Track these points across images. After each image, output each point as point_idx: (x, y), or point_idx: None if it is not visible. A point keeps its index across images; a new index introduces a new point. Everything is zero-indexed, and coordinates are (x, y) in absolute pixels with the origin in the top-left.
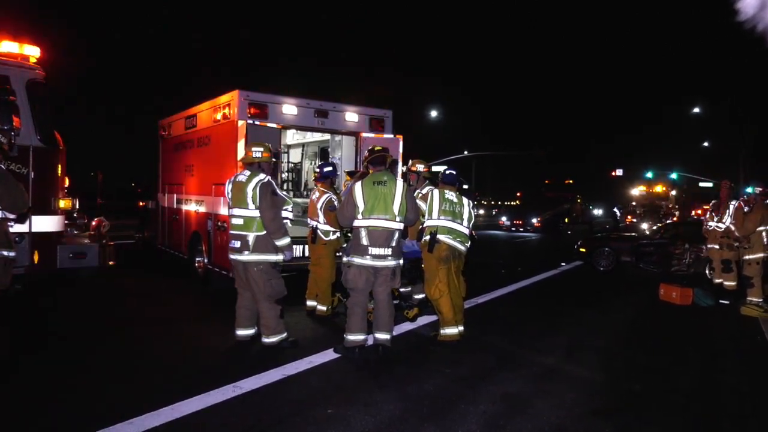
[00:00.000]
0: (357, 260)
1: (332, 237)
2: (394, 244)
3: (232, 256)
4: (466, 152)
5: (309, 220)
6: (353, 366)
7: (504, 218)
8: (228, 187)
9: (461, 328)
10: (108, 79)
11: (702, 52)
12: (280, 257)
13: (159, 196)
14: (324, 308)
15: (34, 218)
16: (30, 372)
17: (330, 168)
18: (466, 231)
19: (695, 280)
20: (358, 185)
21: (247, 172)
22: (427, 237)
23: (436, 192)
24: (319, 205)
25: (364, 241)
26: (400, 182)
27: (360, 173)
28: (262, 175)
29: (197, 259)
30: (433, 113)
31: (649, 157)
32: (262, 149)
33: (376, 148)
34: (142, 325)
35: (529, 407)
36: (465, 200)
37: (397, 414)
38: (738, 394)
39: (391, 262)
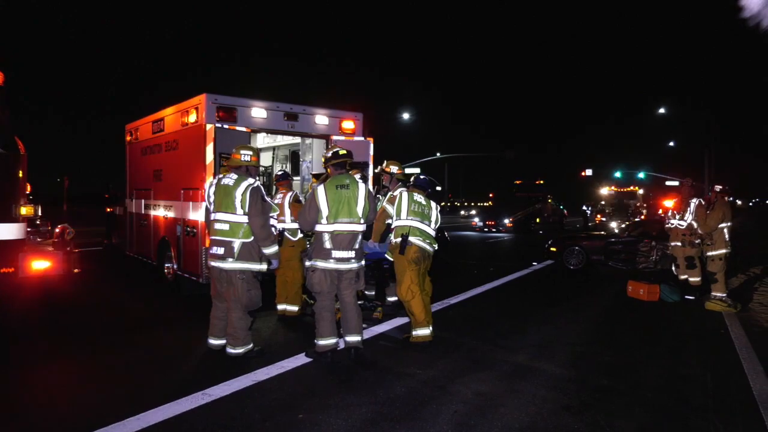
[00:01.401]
0: (320, 264)
1: (300, 236)
2: (357, 246)
3: (213, 263)
4: (438, 154)
5: (276, 223)
6: (325, 370)
7: (476, 219)
8: (210, 190)
9: (431, 328)
10: (76, 82)
11: (668, 54)
12: (263, 266)
13: (127, 201)
14: (295, 308)
15: None
16: None
17: (281, 172)
18: (433, 233)
19: (662, 277)
20: (320, 189)
21: (234, 176)
22: (398, 239)
23: (404, 194)
24: (285, 202)
25: (327, 245)
26: (361, 184)
27: (324, 176)
28: (251, 180)
29: (166, 265)
30: (406, 116)
31: (618, 157)
32: (251, 152)
33: (340, 152)
34: (108, 333)
35: (500, 406)
36: (432, 204)
37: (369, 417)
38: (702, 387)
39: (354, 265)
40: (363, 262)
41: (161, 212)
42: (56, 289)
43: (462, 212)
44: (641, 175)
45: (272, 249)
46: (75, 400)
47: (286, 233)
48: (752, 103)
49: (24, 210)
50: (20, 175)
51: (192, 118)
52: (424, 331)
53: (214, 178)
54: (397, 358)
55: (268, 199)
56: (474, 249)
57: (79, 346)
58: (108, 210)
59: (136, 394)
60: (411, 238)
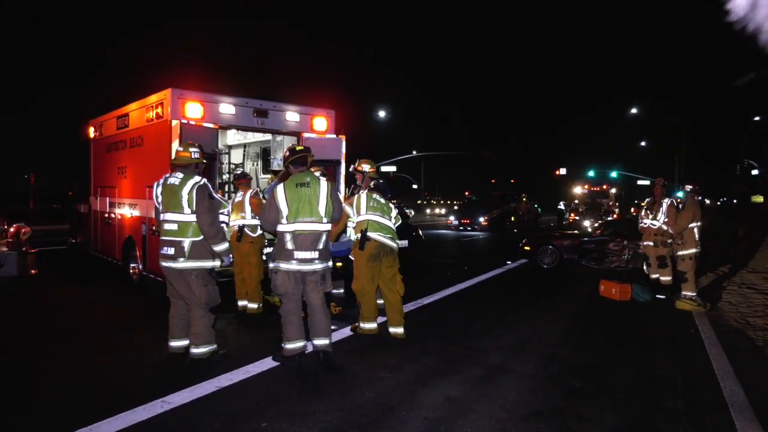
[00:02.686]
0: (283, 265)
1: (259, 232)
2: (321, 246)
3: (165, 264)
4: (414, 152)
5: (234, 221)
6: (292, 375)
7: (452, 217)
8: (157, 191)
9: (400, 330)
10: (45, 72)
11: (641, 54)
12: (216, 263)
13: (91, 199)
14: (255, 306)
15: None
16: None
17: (241, 172)
18: (394, 228)
19: (634, 276)
20: (279, 188)
21: (180, 175)
22: (358, 235)
23: (363, 194)
24: (246, 200)
25: (289, 246)
26: (323, 181)
27: (282, 173)
28: (197, 178)
29: (132, 265)
30: (382, 113)
31: (591, 156)
32: (198, 150)
33: (297, 148)
34: (65, 337)
35: (470, 411)
36: (392, 205)
37: (336, 424)
38: (673, 389)
39: (318, 266)
40: (329, 263)
41: (126, 210)
42: (10, 291)
43: (437, 210)
44: (614, 174)
45: (222, 246)
46: (19, 412)
47: (246, 229)
48: (722, 104)
49: None
50: None
51: (157, 113)
52: (371, 325)
53: (161, 177)
54: (367, 362)
55: (217, 196)
56: (449, 248)
57: (29, 352)
58: (72, 208)
59: (89, 403)
60: (370, 233)
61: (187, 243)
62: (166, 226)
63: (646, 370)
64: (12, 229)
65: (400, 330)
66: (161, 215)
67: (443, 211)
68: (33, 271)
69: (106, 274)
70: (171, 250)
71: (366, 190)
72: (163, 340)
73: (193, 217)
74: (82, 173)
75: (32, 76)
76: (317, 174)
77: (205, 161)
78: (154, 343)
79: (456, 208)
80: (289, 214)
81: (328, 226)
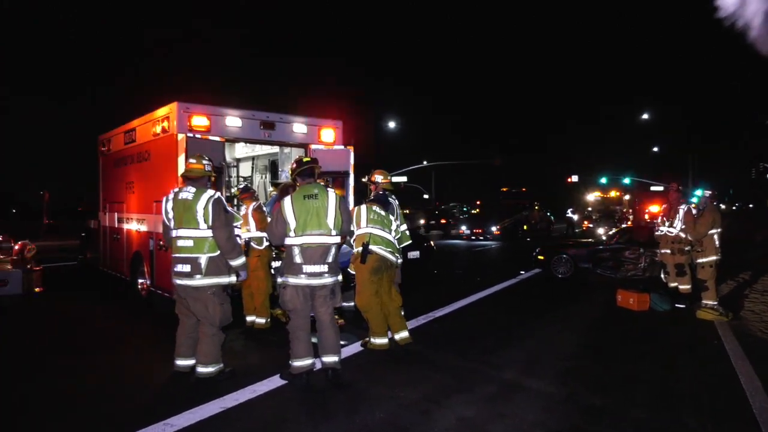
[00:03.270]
0: (292, 280)
1: (266, 244)
2: (330, 259)
3: (179, 282)
4: (425, 162)
5: (241, 235)
6: (300, 394)
7: (463, 227)
8: (167, 206)
9: (405, 334)
10: (62, 88)
11: (652, 57)
12: (232, 279)
13: (100, 215)
14: (263, 321)
15: None
16: None
17: (245, 186)
18: (395, 242)
19: (652, 285)
20: (287, 201)
21: (192, 189)
22: (359, 248)
23: (363, 206)
24: (249, 212)
25: (298, 259)
26: (332, 193)
27: (284, 185)
28: (211, 191)
29: (140, 280)
30: (392, 124)
31: (603, 163)
32: (210, 162)
33: (304, 159)
34: (67, 355)
35: None
36: (393, 217)
37: None
38: (697, 405)
39: (328, 280)
40: (339, 277)
41: (134, 226)
42: (15, 309)
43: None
44: (626, 180)
45: (239, 261)
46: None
47: (252, 243)
48: (729, 107)
49: None
50: None
51: (163, 127)
52: (382, 340)
53: (172, 192)
54: (378, 379)
55: (230, 210)
56: (460, 258)
57: (35, 370)
58: (83, 224)
59: (90, 424)
60: (372, 247)
61: (203, 259)
62: (180, 243)
63: (668, 385)
64: (17, 247)
65: (405, 334)
66: (173, 231)
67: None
68: (38, 289)
69: (115, 290)
70: (186, 268)
71: (366, 203)
72: (168, 358)
73: (209, 233)
74: (92, 188)
75: (51, 88)
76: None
77: (215, 174)
78: (158, 362)
79: (462, 217)
80: (297, 226)
81: (337, 239)
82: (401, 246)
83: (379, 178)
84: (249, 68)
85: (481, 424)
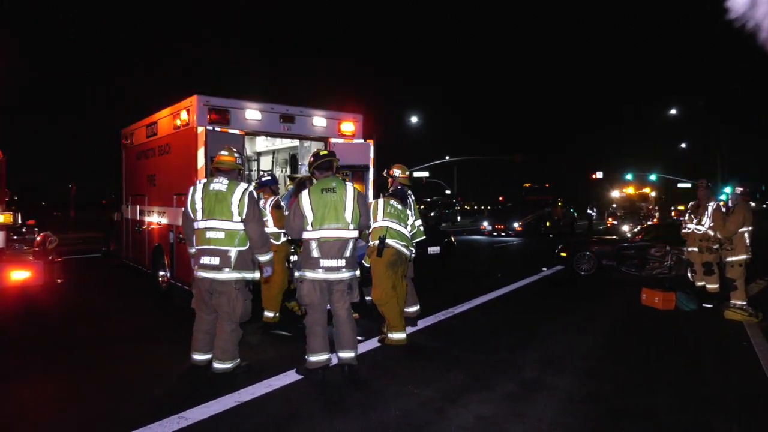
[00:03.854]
0: (309, 274)
1: (283, 239)
2: (348, 254)
3: (205, 274)
4: (447, 157)
5: None
6: (315, 389)
7: (485, 223)
8: (195, 196)
9: (406, 333)
10: (88, 82)
11: (679, 53)
12: (257, 275)
13: (123, 207)
14: (271, 315)
15: None
16: None
17: (268, 178)
18: (410, 236)
19: (677, 283)
20: (304, 194)
21: (225, 180)
22: (375, 242)
23: (380, 200)
24: (267, 208)
25: (315, 254)
26: (350, 187)
27: (300, 179)
28: (244, 184)
29: (160, 273)
30: (414, 119)
31: (628, 158)
32: (240, 155)
33: (322, 152)
34: (85, 348)
35: None
36: (409, 212)
37: None
38: (725, 409)
39: (345, 274)
40: (357, 272)
41: (155, 218)
42: (37, 300)
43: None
44: (653, 176)
45: (268, 256)
46: (35, 424)
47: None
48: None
49: (2, 217)
50: None
51: (183, 121)
52: (400, 335)
53: (198, 182)
54: (394, 376)
55: (260, 204)
56: (482, 254)
57: (49, 362)
58: (107, 216)
59: (104, 417)
60: (388, 240)
61: (233, 252)
62: (210, 234)
63: (694, 388)
64: (38, 238)
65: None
66: (200, 222)
67: (473, 218)
68: (59, 280)
69: (136, 282)
70: (215, 260)
71: (384, 196)
72: (185, 351)
73: (241, 225)
74: (116, 181)
75: (77, 84)
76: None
77: (243, 167)
78: (175, 355)
79: (447, 212)
80: (314, 220)
81: (355, 233)
82: (415, 241)
83: (397, 172)
84: (270, 68)
85: (498, 423)
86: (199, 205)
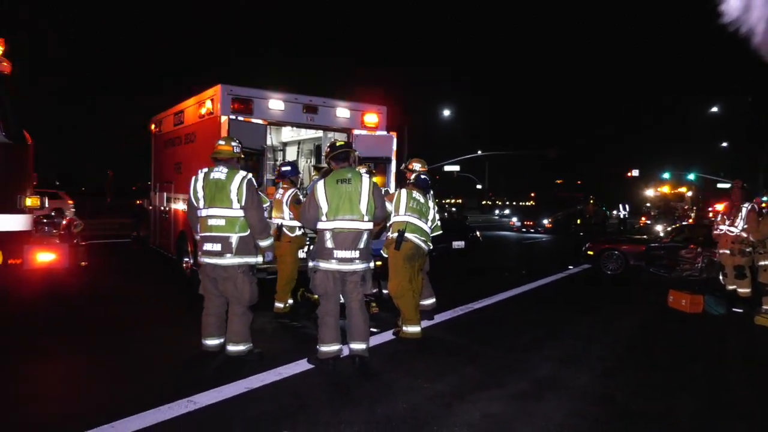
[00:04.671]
0: (322, 264)
1: (298, 233)
2: (362, 245)
3: (208, 260)
4: (479, 152)
5: (273, 219)
6: (325, 379)
7: (514, 219)
8: (197, 185)
9: (421, 327)
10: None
11: (720, 50)
12: (259, 259)
13: (151, 194)
14: (281, 305)
15: None
16: None
17: (288, 168)
18: (430, 231)
19: (707, 286)
20: (320, 184)
21: (224, 169)
22: (395, 234)
23: (403, 191)
24: (285, 200)
25: (329, 244)
26: (366, 178)
27: (326, 169)
28: (243, 172)
29: (185, 259)
30: (446, 112)
31: (666, 157)
32: (239, 144)
33: (338, 143)
34: (100, 330)
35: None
36: (431, 204)
37: None
38: (747, 418)
39: (359, 266)
40: (371, 264)
41: (180, 206)
42: (61, 282)
43: (497, 212)
44: (691, 176)
45: (268, 241)
46: (49, 402)
47: (284, 229)
48: None
49: (29, 201)
50: (26, 165)
51: (208, 109)
52: (415, 329)
53: (200, 171)
54: (406, 369)
55: (277, 196)
56: (508, 250)
57: (70, 342)
58: (137, 203)
59: (117, 398)
60: (408, 234)
61: (234, 238)
62: (212, 222)
63: (716, 394)
64: (64, 222)
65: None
66: (202, 210)
67: (505, 211)
68: (83, 263)
69: (161, 268)
70: (217, 247)
71: (406, 188)
72: (200, 335)
73: (240, 212)
74: (146, 169)
75: (118, 72)
76: (363, 171)
77: (243, 156)
78: (191, 340)
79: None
80: (329, 211)
81: (370, 225)
82: (433, 235)
83: (417, 166)
84: (299, 62)
85: (505, 421)
86: (201, 194)
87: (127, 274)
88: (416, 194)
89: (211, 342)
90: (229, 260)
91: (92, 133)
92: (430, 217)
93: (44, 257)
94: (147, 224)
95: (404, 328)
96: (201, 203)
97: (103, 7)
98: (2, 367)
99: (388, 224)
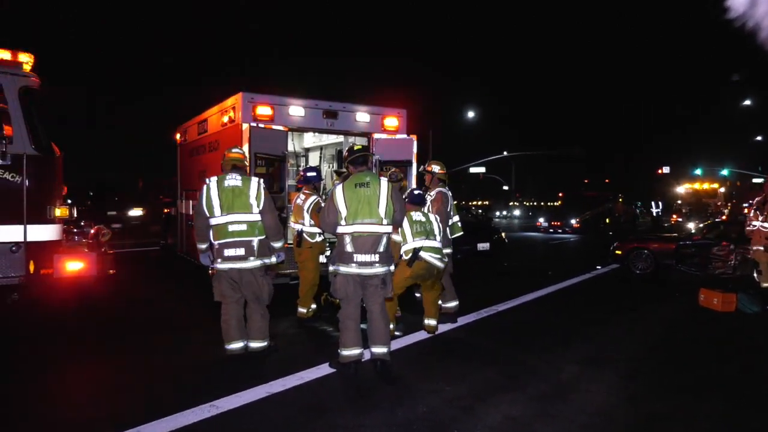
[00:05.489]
0: (343, 269)
1: (318, 239)
2: (381, 249)
3: (233, 265)
4: (505, 152)
5: (293, 224)
6: (346, 383)
7: (542, 219)
8: (211, 193)
9: (432, 322)
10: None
11: (752, 41)
12: (273, 260)
13: (178, 202)
14: (304, 311)
15: (30, 227)
16: None
17: (313, 173)
18: (441, 246)
19: (741, 284)
20: (338, 189)
21: (237, 176)
22: (409, 255)
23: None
24: (306, 207)
25: (349, 248)
26: (384, 182)
27: (345, 174)
28: (255, 178)
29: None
30: (471, 114)
31: (698, 153)
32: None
33: (356, 147)
34: (125, 335)
35: None
36: (432, 217)
37: None
38: None
39: (379, 269)
40: (391, 267)
41: None
42: (89, 290)
43: (529, 213)
44: (724, 171)
45: (281, 243)
46: (73, 406)
47: (304, 234)
48: None
49: (59, 211)
50: (56, 176)
51: (230, 118)
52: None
53: (209, 180)
54: (428, 372)
55: (298, 202)
56: (535, 251)
57: (98, 347)
58: (165, 211)
59: (140, 402)
60: (422, 253)
61: (255, 242)
62: (232, 227)
63: (746, 395)
64: (92, 231)
65: (433, 322)
66: (219, 218)
67: (516, 212)
68: (111, 271)
69: (188, 275)
70: (240, 251)
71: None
72: (240, 351)
73: (259, 216)
74: (172, 177)
75: (149, 80)
76: (384, 178)
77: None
78: (214, 344)
79: (543, 209)
80: (348, 215)
81: (389, 228)
82: (453, 237)
83: (435, 168)
84: (322, 67)
85: (527, 423)
86: (216, 202)
87: (153, 281)
88: (415, 215)
89: (235, 345)
90: (252, 263)
91: (123, 141)
92: (437, 231)
93: (73, 266)
94: (174, 232)
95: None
96: (217, 211)
97: (129, 16)
98: (24, 373)
99: (401, 252)
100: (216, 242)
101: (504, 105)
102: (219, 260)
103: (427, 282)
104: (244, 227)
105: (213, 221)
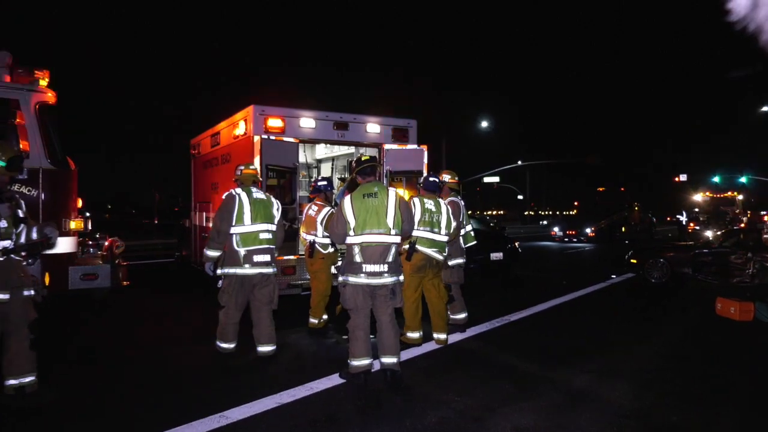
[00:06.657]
0: (352, 279)
1: (330, 250)
2: (390, 259)
3: (260, 270)
4: (519, 162)
5: (305, 235)
6: (355, 394)
7: (556, 228)
8: (244, 202)
9: (443, 336)
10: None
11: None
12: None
13: (192, 214)
14: (315, 321)
15: None
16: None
17: (324, 183)
18: (444, 239)
19: (759, 293)
20: (347, 200)
21: (259, 190)
22: (406, 246)
23: (417, 201)
24: (319, 219)
25: (358, 258)
26: (392, 192)
27: (350, 179)
28: (271, 196)
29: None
30: (484, 123)
31: (717, 161)
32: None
33: (364, 158)
34: (138, 346)
35: None
36: (443, 208)
37: None
38: None
39: (388, 279)
40: (400, 277)
41: None
42: (103, 301)
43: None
44: (743, 179)
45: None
46: (87, 415)
47: (317, 245)
48: None
49: (74, 224)
50: (71, 190)
51: (241, 130)
52: (414, 335)
53: (237, 191)
54: (438, 382)
55: (310, 212)
56: (550, 260)
57: (104, 359)
58: (179, 223)
59: (148, 413)
60: (419, 246)
61: (275, 250)
62: (263, 236)
63: (764, 407)
64: (106, 243)
65: (443, 336)
66: (250, 226)
67: (543, 222)
68: (125, 283)
69: (201, 286)
70: (267, 257)
71: (418, 197)
72: (235, 353)
73: (275, 228)
74: (187, 190)
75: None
76: (395, 188)
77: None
78: (225, 356)
79: (557, 218)
80: (357, 225)
81: (397, 239)
82: (466, 246)
83: (446, 177)
84: (338, 79)
85: None
86: (248, 211)
87: (166, 292)
88: (429, 204)
89: (229, 345)
90: (272, 269)
91: (141, 154)
92: (444, 224)
93: (88, 278)
94: (188, 244)
95: (406, 334)
96: (248, 220)
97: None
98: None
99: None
100: (243, 249)
101: (523, 114)
102: (247, 265)
103: (428, 277)
104: (269, 236)
105: (240, 229)
